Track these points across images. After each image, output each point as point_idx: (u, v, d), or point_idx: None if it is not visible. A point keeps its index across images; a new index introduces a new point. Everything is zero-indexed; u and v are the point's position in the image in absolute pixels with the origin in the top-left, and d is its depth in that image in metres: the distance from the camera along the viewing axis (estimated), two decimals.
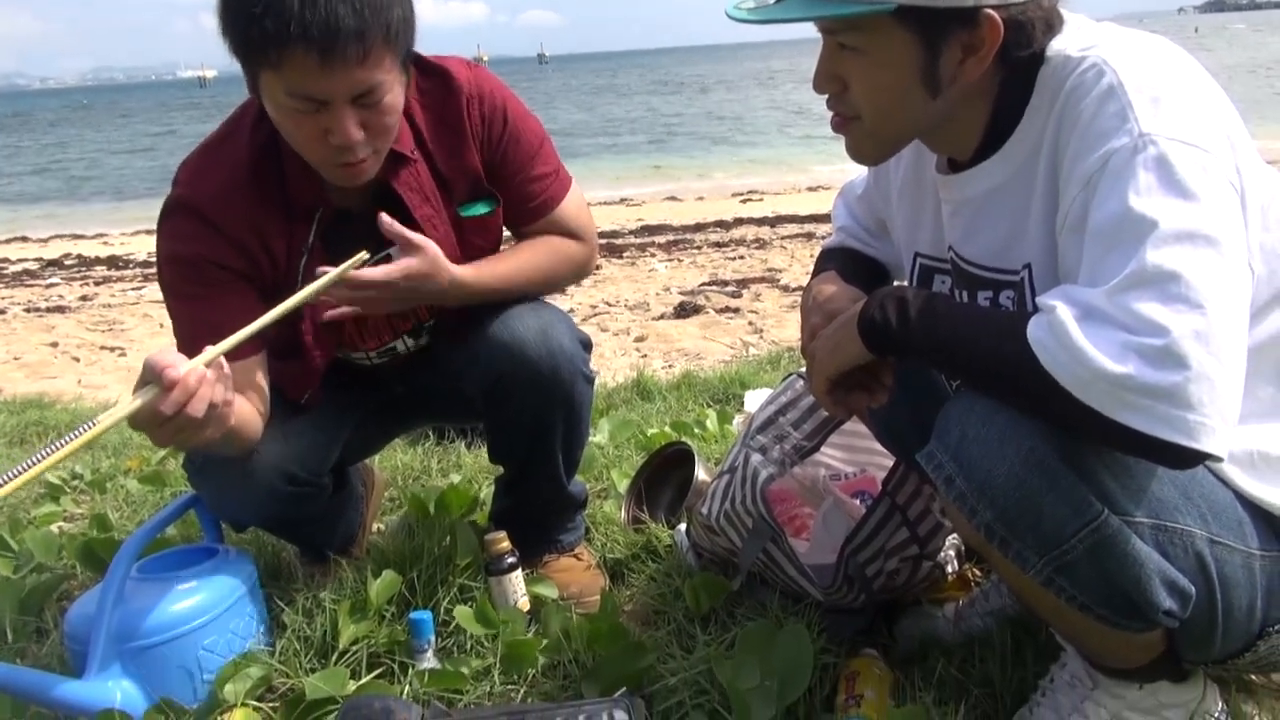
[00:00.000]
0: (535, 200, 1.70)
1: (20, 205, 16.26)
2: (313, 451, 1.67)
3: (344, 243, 1.54)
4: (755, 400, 2.73)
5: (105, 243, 10.92)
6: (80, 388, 4.85)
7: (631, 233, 9.30)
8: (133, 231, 11.21)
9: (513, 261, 1.69)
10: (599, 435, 2.62)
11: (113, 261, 9.37)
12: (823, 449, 1.71)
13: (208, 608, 1.53)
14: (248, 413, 1.52)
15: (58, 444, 1.17)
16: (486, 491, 2.14)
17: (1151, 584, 1.06)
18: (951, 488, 1.08)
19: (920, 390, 1.37)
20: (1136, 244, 0.94)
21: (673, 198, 12.15)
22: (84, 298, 7.76)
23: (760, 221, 9.23)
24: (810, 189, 11.73)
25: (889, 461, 1.65)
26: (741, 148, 18.32)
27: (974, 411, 1.07)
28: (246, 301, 1.52)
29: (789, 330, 5.08)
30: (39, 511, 2.43)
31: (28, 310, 7.39)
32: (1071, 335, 0.93)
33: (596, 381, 1.77)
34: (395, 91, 1.43)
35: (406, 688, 1.51)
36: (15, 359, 5.77)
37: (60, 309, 7.36)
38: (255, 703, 1.50)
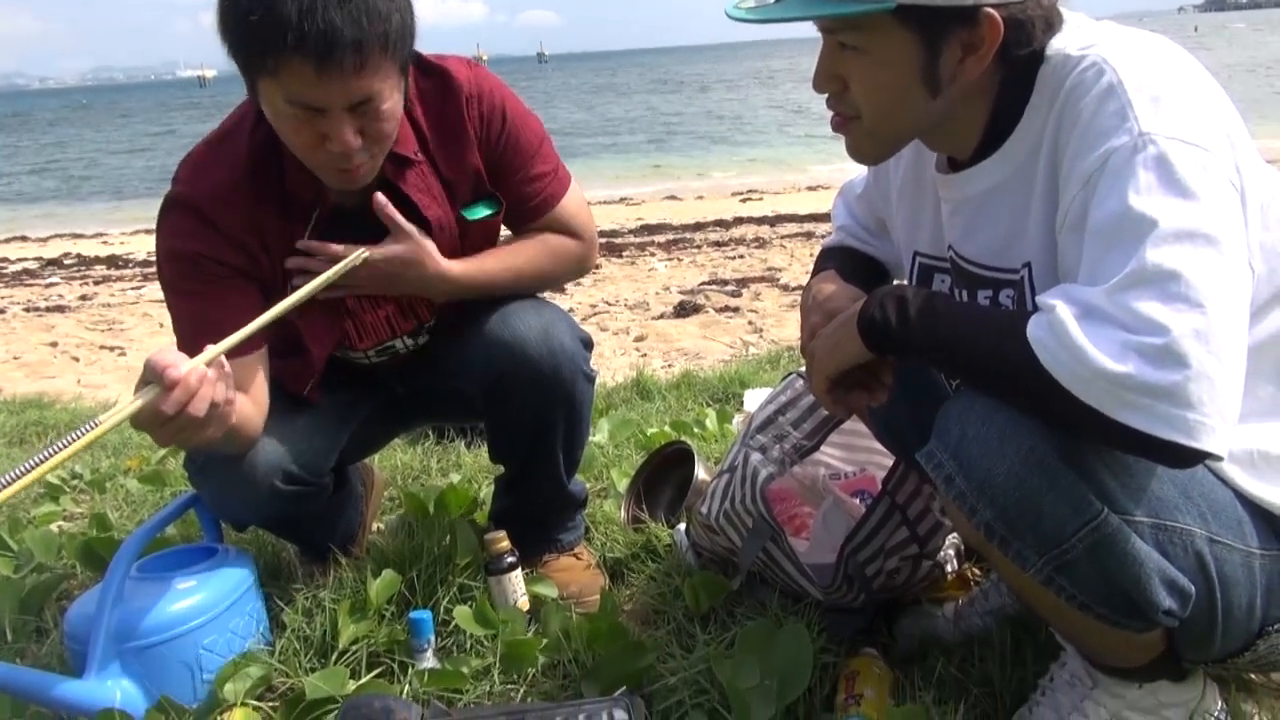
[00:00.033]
0: (535, 199, 1.70)
1: (19, 205, 16.26)
2: (313, 451, 1.67)
3: (342, 241, 1.54)
4: (755, 399, 2.73)
5: (105, 242, 10.92)
6: (80, 387, 4.85)
7: (631, 232, 9.29)
8: (132, 231, 11.20)
9: (505, 258, 1.69)
10: (599, 435, 2.62)
11: (112, 261, 9.37)
12: (822, 448, 1.70)
13: (207, 607, 1.53)
14: (248, 410, 1.52)
15: (59, 444, 1.17)
16: (486, 491, 2.14)
17: (1151, 583, 1.06)
18: (951, 487, 1.08)
19: (920, 389, 1.37)
20: (1136, 243, 0.94)
21: (672, 197, 12.15)
22: (83, 297, 7.76)
23: (760, 221, 9.22)
24: (810, 188, 11.73)
25: (889, 461, 1.65)
26: (741, 147, 18.31)
27: (974, 410, 1.07)
28: (246, 298, 1.52)
29: (789, 329, 5.08)
30: (39, 511, 2.43)
31: (27, 310, 7.39)
32: (1071, 334, 0.93)
33: (596, 381, 1.77)
34: (394, 99, 1.43)
35: (406, 687, 1.51)
36: (15, 358, 5.76)
37: (60, 308, 7.36)
38: (255, 702, 1.50)
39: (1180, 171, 0.96)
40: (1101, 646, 1.22)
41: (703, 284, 6.66)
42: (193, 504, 1.71)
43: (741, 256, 7.64)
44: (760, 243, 8.19)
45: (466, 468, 2.48)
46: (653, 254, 8.09)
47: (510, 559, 1.70)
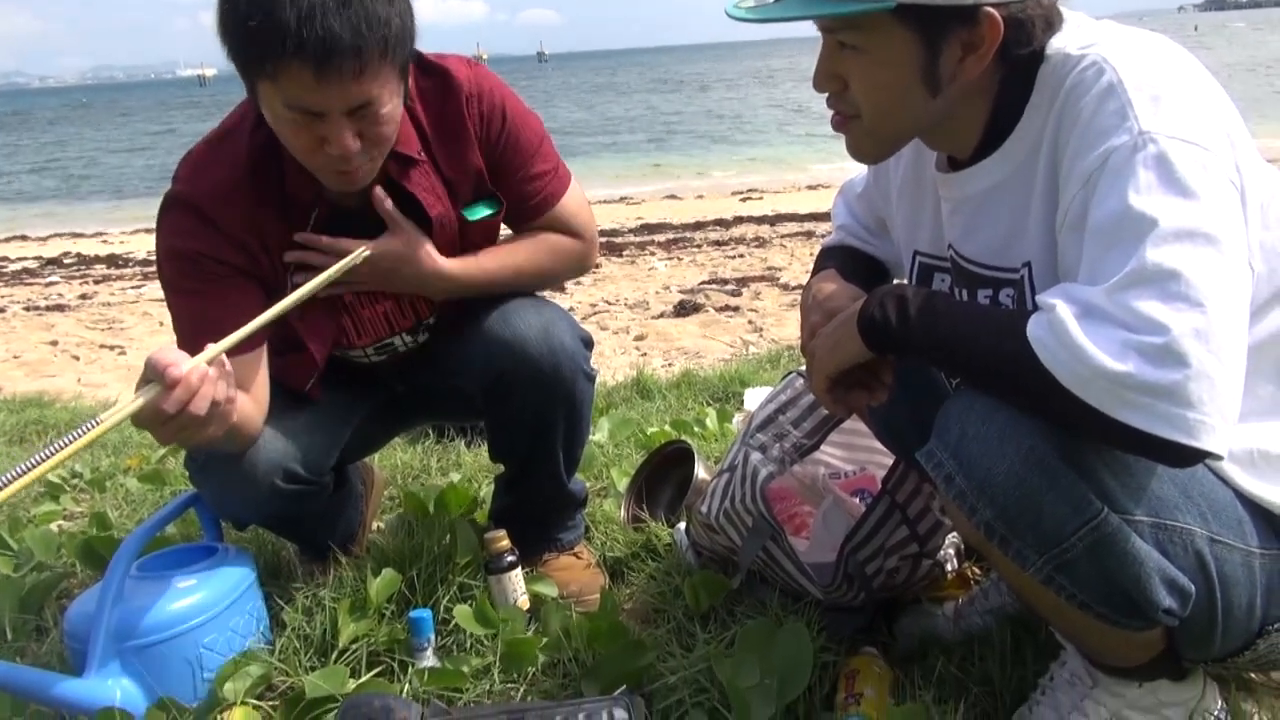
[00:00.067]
0: (535, 198, 1.70)
1: (19, 204, 16.25)
2: (314, 450, 1.67)
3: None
4: (755, 398, 2.73)
5: (104, 241, 10.91)
6: (80, 386, 4.85)
7: (631, 231, 9.29)
8: (132, 230, 11.19)
9: (505, 256, 1.69)
10: (599, 434, 2.62)
11: (112, 260, 9.36)
12: (822, 447, 1.71)
13: (207, 606, 1.53)
14: (249, 409, 1.52)
15: (60, 443, 1.17)
16: (486, 490, 2.14)
17: (1151, 582, 1.06)
18: (951, 486, 1.08)
19: (920, 388, 1.37)
20: (1136, 242, 0.94)
21: (672, 196, 12.14)
22: (83, 296, 7.76)
23: (760, 220, 9.22)
24: (810, 187, 11.72)
25: (889, 460, 1.65)
26: (741, 146, 18.31)
27: (974, 410, 1.07)
28: (247, 297, 1.52)
29: (789, 328, 5.08)
30: (38, 510, 2.43)
31: (27, 309, 7.38)
32: (1071, 333, 0.93)
33: (596, 380, 1.77)
34: (393, 103, 1.43)
35: (406, 686, 1.51)
36: (15, 357, 5.76)
37: (60, 307, 7.35)
38: (255, 701, 1.50)
39: (1180, 171, 0.96)
40: (1101, 645, 1.22)
41: (703, 283, 6.66)
42: (193, 503, 1.71)
43: (741, 256, 7.64)
44: (760, 242, 8.18)
45: (466, 467, 2.48)
46: (653, 253, 8.08)
47: (510, 558, 1.70)
